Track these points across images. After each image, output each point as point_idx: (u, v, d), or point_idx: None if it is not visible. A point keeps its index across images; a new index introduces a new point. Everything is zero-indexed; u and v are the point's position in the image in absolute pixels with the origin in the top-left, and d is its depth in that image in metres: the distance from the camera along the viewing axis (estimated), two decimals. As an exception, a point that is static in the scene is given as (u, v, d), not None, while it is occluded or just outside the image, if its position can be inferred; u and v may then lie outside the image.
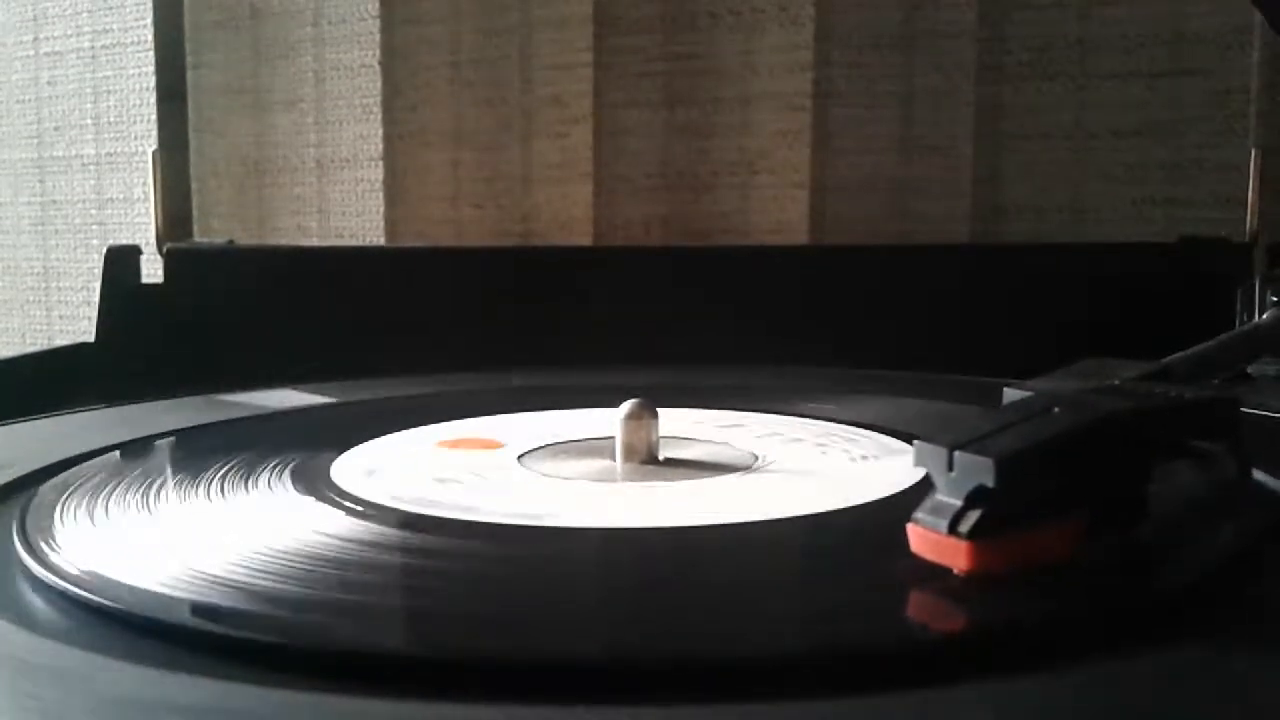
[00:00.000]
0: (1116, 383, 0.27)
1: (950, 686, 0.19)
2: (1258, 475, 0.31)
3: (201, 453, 0.35)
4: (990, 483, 0.21)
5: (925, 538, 0.22)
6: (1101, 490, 0.23)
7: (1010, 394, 0.27)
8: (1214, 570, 0.24)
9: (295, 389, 0.49)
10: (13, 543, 0.26)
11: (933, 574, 0.22)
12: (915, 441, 0.23)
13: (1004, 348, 0.55)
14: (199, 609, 0.22)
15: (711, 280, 0.64)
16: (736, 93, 0.67)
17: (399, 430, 0.39)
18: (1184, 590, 0.23)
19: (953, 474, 0.22)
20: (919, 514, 0.22)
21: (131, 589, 0.23)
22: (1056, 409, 0.24)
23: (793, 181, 0.67)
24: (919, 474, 0.23)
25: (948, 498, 0.22)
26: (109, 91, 0.77)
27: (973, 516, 0.21)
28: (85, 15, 0.77)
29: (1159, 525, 0.25)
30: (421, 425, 0.40)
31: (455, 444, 0.37)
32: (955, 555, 0.22)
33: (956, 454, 0.22)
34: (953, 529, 0.22)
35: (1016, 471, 0.21)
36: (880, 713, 0.18)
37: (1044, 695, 0.18)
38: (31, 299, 0.81)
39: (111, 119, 0.77)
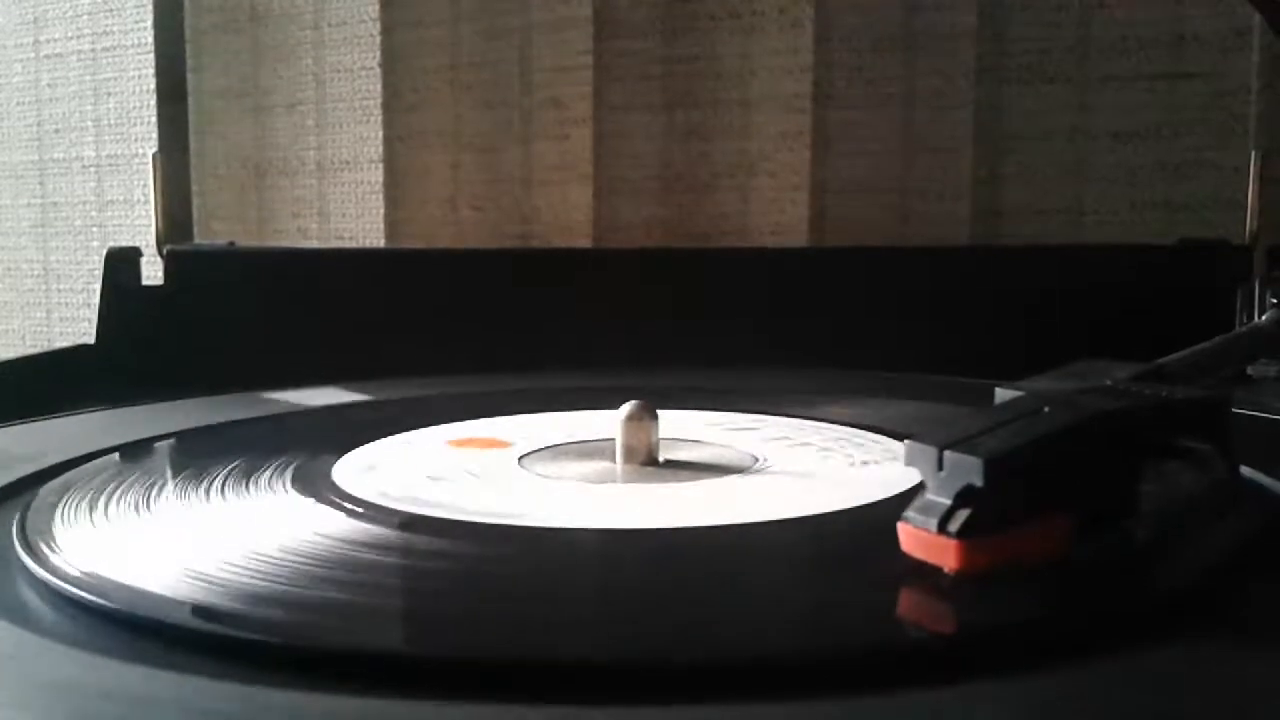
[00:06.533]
0: (1108, 383, 0.27)
1: (937, 685, 0.19)
2: (1258, 477, 0.31)
3: (201, 454, 0.35)
4: (979, 482, 0.21)
5: (915, 536, 0.22)
6: (1091, 490, 0.23)
7: (1002, 394, 0.27)
8: (1206, 571, 0.24)
9: (296, 391, 0.49)
10: (13, 544, 0.26)
11: (923, 573, 0.22)
12: (906, 441, 0.23)
13: (1004, 349, 0.55)
14: (198, 610, 0.22)
15: (711, 282, 0.64)
16: (736, 95, 0.67)
17: (398, 433, 0.39)
18: (1175, 591, 0.23)
19: (942, 473, 0.22)
20: (909, 513, 0.22)
21: (131, 590, 0.23)
22: (1047, 409, 0.24)
23: (793, 183, 0.67)
24: (915, 475, 0.23)
25: (938, 497, 0.22)
26: (109, 93, 0.77)
27: (962, 515, 0.21)
28: (86, 17, 0.77)
29: (1149, 525, 0.25)
30: (421, 429, 0.40)
31: (463, 443, 0.37)
32: (944, 554, 0.22)
33: (946, 453, 0.22)
34: (942, 528, 0.22)
35: (1005, 471, 0.22)
36: (868, 711, 0.18)
37: (1033, 695, 0.18)
38: (32, 301, 0.81)
39: (112, 121, 0.77)
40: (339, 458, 0.35)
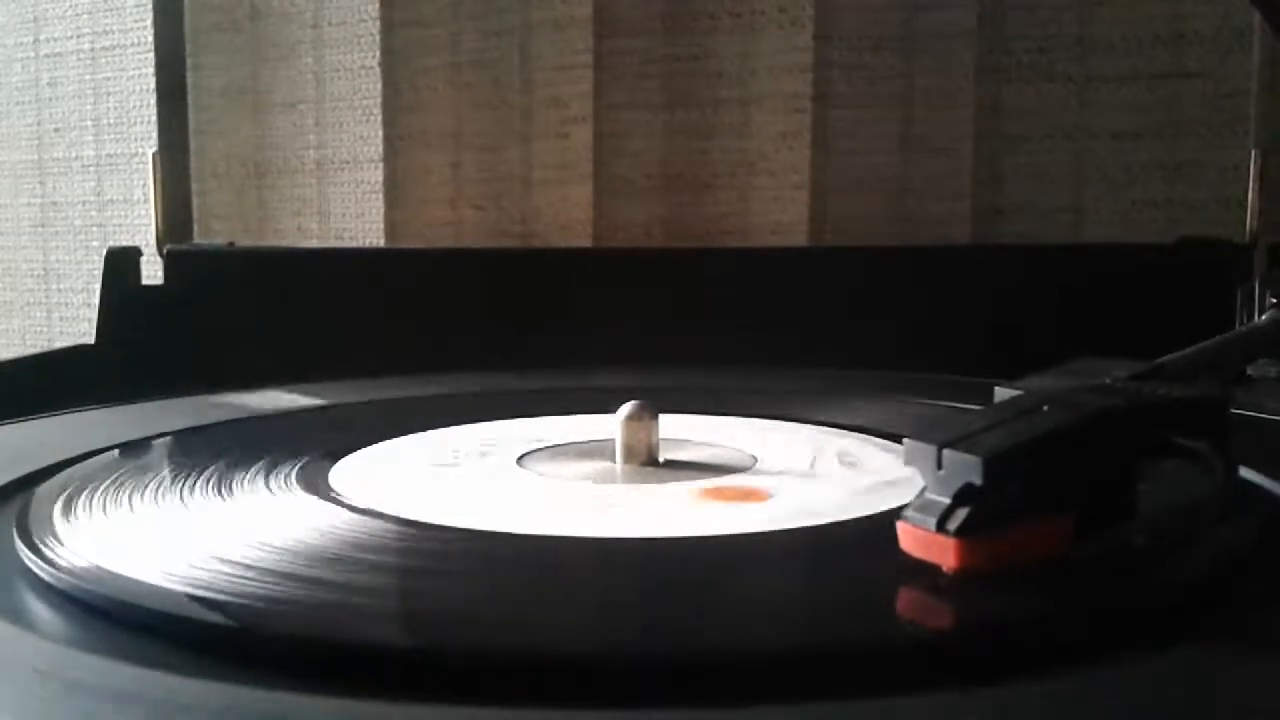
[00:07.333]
0: (1107, 381, 0.27)
1: (936, 684, 0.19)
2: (1257, 477, 0.31)
3: (200, 453, 0.35)
4: (978, 481, 0.21)
5: (914, 535, 0.22)
6: (1090, 489, 0.23)
7: (1001, 392, 0.27)
8: (1205, 571, 0.24)
9: (295, 390, 0.49)
10: (13, 542, 0.26)
11: (922, 571, 0.22)
12: (905, 440, 0.23)
13: (1004, 348, 0.55)
14: (198, 608, 0.22)
15: (711, 282, 0.64)
16: (736, 94, 0.67)
17: (398, 432, 0.39)
18: (1174, 591, 0.23)
19: (942, 472, 0.22)
20: (908, 512, 0.22)
21: (131, 588, 0.23)
22: (1046, 407, 0.24)
23: (793, 183, 0.67)
24: (913, 474, 0.23)
25: (937, 495, 0.22)
26: (109, 93, 0.77)
27: (961, 514, 0.22)
28: (85, 16, 0.77)
29: (1148, 525, 0.25)
30: (421, 429, 0.40)
31: (714, 493, 0.31)
32: (944, 553, 0.22)
33: (945, 452, 0.22)
34: (941, 526, 0.22)
35: (1004, 469, 0.22)
36: (867, 711, 0.18)
37: (1032, 695, 0.18)
38: (32, 300, 0.81)
39: (112, 120, 0.77)
40: (339, 457, 0.35)
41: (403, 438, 0.38)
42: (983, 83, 0.65)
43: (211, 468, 0.33)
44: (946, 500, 0.22)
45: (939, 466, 0.22)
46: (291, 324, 0.64)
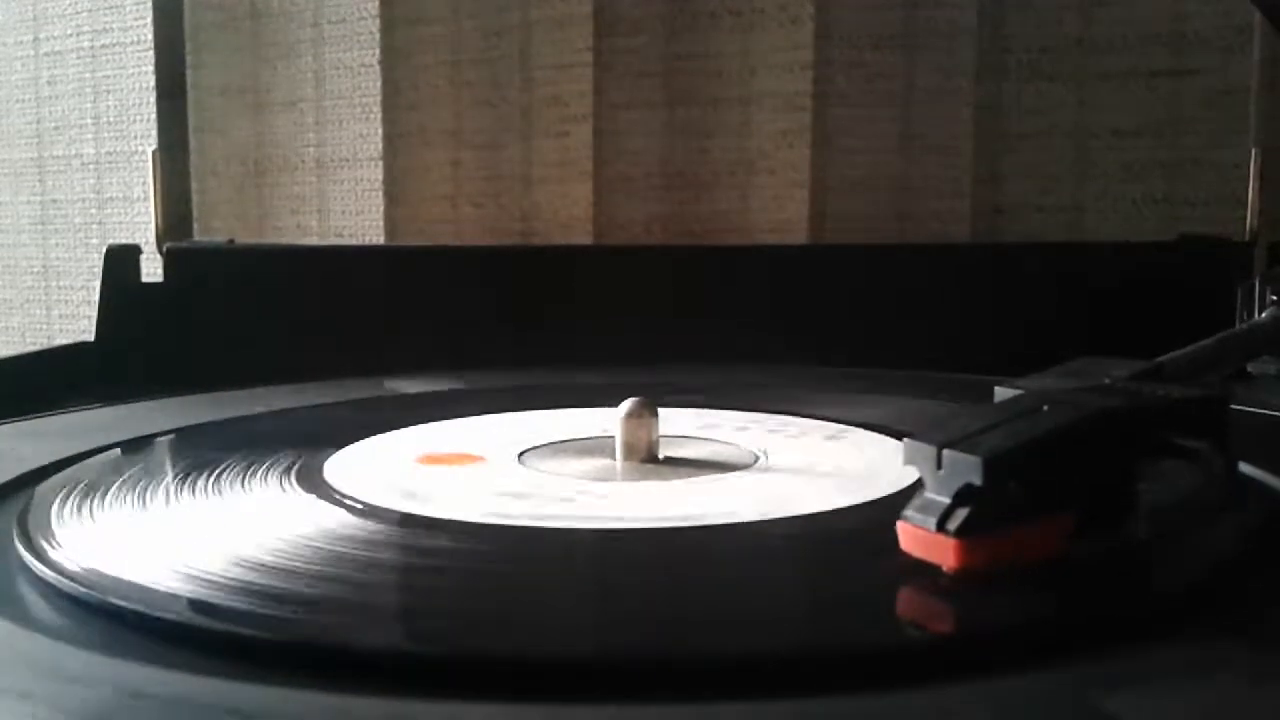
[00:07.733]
0: (1107, 381, 0.27)
1: (936, 684, 0.19)
2: (1258, 474, 0.31)
3: (200, 451, 0.35)
4: (978, 481, 0.21)
5: (914, 535, 0.22)
6: (1090, 488, 0.23)
7: (1001, 392, 0.27)
8: (1205, 569, 0.24)
9: (294, 388, 0.49)
10: (13, 541, 0.26)
11: (922, 571, 0.22)
12: (905, 440, 0.23)
13: (1004, 347, 0.55)
14: (197, 606, 0.22)
15: (711, 280, 0.64)
16: (736, 92, 0.67)
17: (398, 430, 0.39)
18: (1174, 590, 0.23)
19: (941, 472, 0.22)
20: (908, 512, 0.22)
21: (130, 587, 0.23)
22: (1046, 407, 0.24)
23: (793, 181, 0.67)
24: (914, 473, 0.23)
25: (937, 496, 0.22)
26: (109, 91, 0.77)
27: (961, 514, 0.22)
28: (85, 15, 0.77)
29: (1148, 524, 0.25)
30: (421, 424, 0.40)
31: (435, 459, 0.35)
32: (944, 553, 0.22)
33: (945, 452, 0.22)
34: (941, 527, 0.22)
35: (1004, 470, 0.22)
36: (867, 710, 0.18)
37: (1032, 694, 0.18)
38: (31, 298, 0.81)
39: (111, 118, 0.77)
40: (337, 455, 0.35)
41: (402, 435, 0.38)
42: (983, 80, 0.65)
43: (209, 466, 0.33)
44: (946, 500, 0.22)
45: (939, 466, 0.22)
46: (291, 321, 0.64)
